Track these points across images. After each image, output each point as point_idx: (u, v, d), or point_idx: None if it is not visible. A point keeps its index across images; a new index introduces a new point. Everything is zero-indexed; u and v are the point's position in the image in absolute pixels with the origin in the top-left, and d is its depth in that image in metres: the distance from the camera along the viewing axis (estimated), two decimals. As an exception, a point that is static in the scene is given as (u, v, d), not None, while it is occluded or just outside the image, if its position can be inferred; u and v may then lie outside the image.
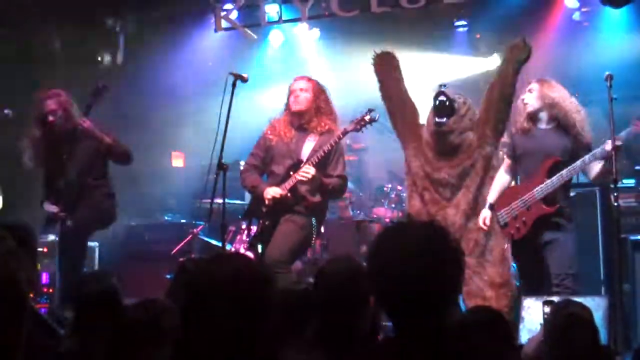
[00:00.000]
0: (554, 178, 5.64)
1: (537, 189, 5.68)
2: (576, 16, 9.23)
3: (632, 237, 6.80)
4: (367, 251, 2.51)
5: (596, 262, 7.08)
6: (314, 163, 6.05)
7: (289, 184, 6.13)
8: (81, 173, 6.42)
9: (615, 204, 5.48)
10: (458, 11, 9.77)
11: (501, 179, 6.02)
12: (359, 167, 10.41)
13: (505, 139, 6.14)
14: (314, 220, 6.25)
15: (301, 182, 6.10)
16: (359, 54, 10.08)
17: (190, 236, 7.94)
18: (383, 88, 6.41)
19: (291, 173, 6.16)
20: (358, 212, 9.25)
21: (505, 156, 6.11)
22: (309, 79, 6.44)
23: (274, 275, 2.45)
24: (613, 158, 5.41)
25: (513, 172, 6.06)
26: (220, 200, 6.05)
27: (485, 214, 5.92)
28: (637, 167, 7.12)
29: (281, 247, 6.01)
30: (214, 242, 7.98)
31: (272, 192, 6.17)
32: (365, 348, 2.67)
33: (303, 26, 9.86)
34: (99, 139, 6.41)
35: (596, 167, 5.65)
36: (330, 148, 6.05)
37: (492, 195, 5.99)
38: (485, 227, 5.93)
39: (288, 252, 6.04)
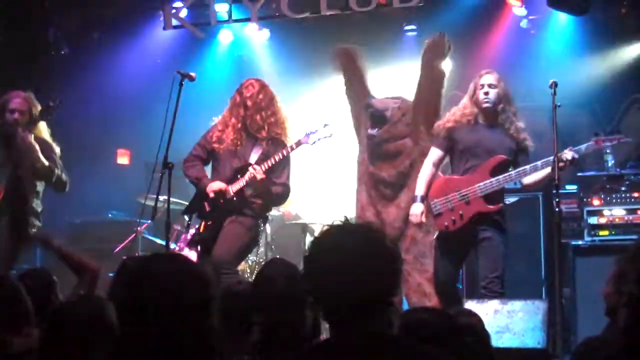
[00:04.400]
0: (501, 177, 5.64)
1: (480, 185, 5.65)
2: (524, 24, 9.33)
3: (573, 242, 6.92)
4: (304, 253, 2.49)
5: (537, 266, 7.20)
6: (264, 169, 6.05)
7: (235, 185, 6.10)
8: (12, 182, 6.22)
9: (557, 209, 5.53)
10: (408, 16, 9.82)
11: (428, 170, 5.92)
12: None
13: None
14: (260, 221, 6.26)
15: (248, 185, 6.08)
16: (308, 56, 10.13)
17: (134, 234, 7.87)
18: (346, 82, 6.46)
19: (239, 176, 6.15)
20: (305, 213, 9.25)
21: (434, 147, 5.99)
22: (261, 85, 6.41)
23: (213, 276, 2.45)
24: (556, 165, 5.47)
25: (440, 164, 5.97)
26: (165, 199, 6.00)
27: (419, 208, 5.81)
28: (579, 174, 7.23)
29: (228, 248, 5.97)
30: (158, 240, 7.93)
31: (215, 186, 6.13)
32: (305, 349, 2.67)
33: (253, 26, 9.82)
34: (34, 155, 6.20)
35: (541, 174, 5.66)
36: (281, 157, 6.07)
37: (420, 188, 5.88)
38: (417, 221, 5.84)
39: (235, 253, 6.02)
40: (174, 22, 9.05)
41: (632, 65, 8.89)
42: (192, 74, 5.98)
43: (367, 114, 6.14)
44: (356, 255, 2.33)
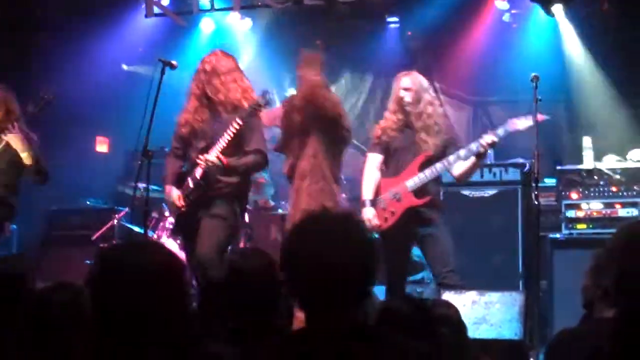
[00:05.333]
0: (427, 171, 5.80)
1: (408, 181, 5.82)
2: (506, 17, 9.35)
3: (551, 235, 6.96)
4: (282, 241, 2.48)
5: (515, 259, 7.24)
6: (221, 149, 5.73)
7: (198, 173, 5.83)
8: None
9: (536, 202, 5.59)
10: (390, 7, 9.83)
11: (372, 175, 6.05)
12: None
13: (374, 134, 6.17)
14: (236, 206, 5.97)
15: (208, 174, 5.81)
16: (290, 45, 10.11)
17: (112, 222, 7.84)
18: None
19: (200, 156, 5.81)
20: (284, 202, 9.23)
21: (374, 152, 6.13)
22: (225, 54, 6.13)
23: (185, 264, 2.45)
24: (537, 158, 5.53)
25: (381, 167, 6.10)
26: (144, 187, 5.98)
27: (371, 212, 5.90)
28: (558, 167, 7.27)
29: (208, 245, 5.79)
30: (136, 228, 7.90)
31: (170, 198, 5.92)
32: (281, 339, 2.66)
33: (235, 15, 9.80)
34: (21, 152, 6.16)
35: (466, 164, 5.83)
36: (232, 134, 5.69)
37: (367, 192, 6.00)
38: (372, 225, 5.86)
39: (216, 249, 5.83)
40: (156, 10, 9.03)
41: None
42: (174, 62, 5.93)
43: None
44: (334, 243, 2.32)
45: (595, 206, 6.99)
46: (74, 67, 9.47)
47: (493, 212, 6.59)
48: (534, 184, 5.61)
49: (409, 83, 5.98)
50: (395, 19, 10.03)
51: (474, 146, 5.72)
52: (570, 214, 7.03)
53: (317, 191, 6.09)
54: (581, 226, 6.99)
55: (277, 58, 10.04)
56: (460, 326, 3.48)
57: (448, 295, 5.28)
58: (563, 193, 7.10)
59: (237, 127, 5.63)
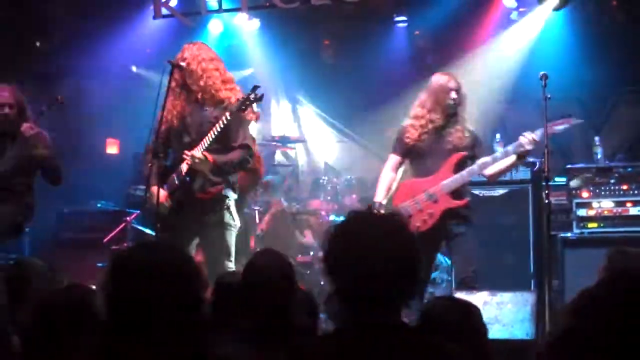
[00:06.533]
0: (464, 172, 5.76)
1: (444, 182, 5.77)
2: (514, 16, 9.34)
3: (562, 234, 6.95)
4: (326, 245, 2.45)
5: (526, 258, 7.23)
6: (205, 146, 5.55)
7: (184, 169, 5.64)
8: (4, 177, 6.21)
9: (547, 201, 5.57)
10: (398, 7, 9.83)
11: (388, 177, 6.04)
12: (296, 158, 10.43)
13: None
14: (232, 207, 5.80)
15: (193, 172, 5.62)
16: (298, 46, 10.13)
17: (124, 224, 7.86)
18: None
19: (186, 152, 5.62)
20: (294, 203, 9.26)
21: (394, 153, 6.09)
22: (201, 44, 5.95)
23: (199, 265, 2.45)
24: (547, 156, 5.52)
25: (397, 169, 6.07)
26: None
27: None
28: (568, 166, 7.25)
29: (219, 256, 5.72)
30: (147, 230, 7.91)
31: (161, 197, 5.61)
32: (307, 340, 2.66)
33: (243, 16, 9.79)
34: (37, 152, 6.20)
35: (504, 163, 5.80)
36: (219, 130, 5.51)
37: (380, 194, 6.00)
38: None
39: (227, 257, 5.77)
40: (164, 11, 9.02)
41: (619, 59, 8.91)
42: (182, 63, 5.90)
43: None
44: (380, 244, 2.32)
45: (606, 205, 6.98)
46: (83, 69, 9.50)
47: (503, 211, 6.57)
48: (544, 183, 5.59)
49: (455, 84, 5.91)
50: (403, 18, 10.04)
51: (510, 148, 5.69)
52: (581, 212, 7.02)
53: None
54: (592, 225, 6.98)
55: (285, 58, 10.05)
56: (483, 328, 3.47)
57: (460, 296, 5.27)
58: (574, 192, 7.09)
59: (225, 121, 5.47)
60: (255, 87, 5.54)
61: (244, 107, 5.49)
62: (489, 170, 5.86)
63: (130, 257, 2.39)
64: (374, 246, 2.33)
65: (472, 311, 3.28)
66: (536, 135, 5.64)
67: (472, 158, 5.85)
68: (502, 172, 5.97)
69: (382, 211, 5.81)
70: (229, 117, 5.46)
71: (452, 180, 5.77)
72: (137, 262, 2.34)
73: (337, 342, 2.38)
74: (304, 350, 2.44)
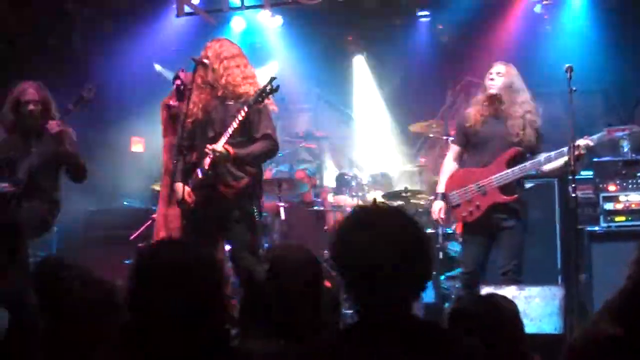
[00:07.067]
0: (516, 168, 5.69)
1: (496, 176, 5.72)
2: (537, 9, 9.30)
3: (589, 228, 6.90)
4: (333, 238, 2.46)
5: (553, 253, 7.18)
6: (229, 137, 5.57)
7: (207, 163, 5.65)
8: (31, 174, 6.26)
9: (573, 195, 5.53)
10: (420, 1, 9.81)
11: (449, 167, 6.04)
12: (320, 154, 10.43)
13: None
14: (254, 200, 5.80)
15: (216, 160, 5.61)
16: (322, 42, 10.12)
17: (150, 221, 7.89)
18: None
19: (208, 146, 5.65)
20: (319, 199, 9.26)
21: (454, 143, 6.11)
22: (224, 39, 6.01)
23: (220, 262, 2.47)
24: (572, 151, 5.47)
25: (460, 159, 6.06)
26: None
27: (440, 205, 5.94)
28: (595, 159, 7.20)
29: (243, 254, 5.65)
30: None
31: (185, 193, 5.66)
32: (329, 335, 2.67)
33: (265, 13, 9.81)
34: (62, 144, 6.25)
35: (557, 163, 5.71)
36: (238, 122, 5.53)
37: (441, 185, 6.02)
38: (436, 217, 5.99)
39: (251, 250, 5.75)
40: (187, 9, 9.05)
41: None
42: (206, 60, 5.92)
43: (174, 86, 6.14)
44: (388, 237, 2.32)
45: (633, 198, 6.91)
46: (107, 67, 9.55)
47: (530, 205, 6.49)
48: (570, 177, 5.55)
49: (502, 69, 5.89)
50: (426, 12, 10.02)
51: (565, 149, 5.58)
52: (608, 206, 6.96)
53: None
54: (619, 218, 6.92)
55: (308, 55, 10.05)
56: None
57: (488, 290, 5.26)
58: (600, 185, 7.03)
59: (244, 114, 5.51)
60: (271, 79, 5.59)
61: (260, 99, 5.55)
62: (546, 167, 5.81)
63: (154, 255, 2.41)
64: (378, 240, 2.32)
65: (507, 307, 3.25)
66: (592, 140, 5.59)
67: (528, 153, 5.78)
68: (556, 170, 5.88)
69: (439, 201, 5.92)
70: (246, 110, 5.51)
71: (502, 175, 5.72)
72: (161, 259, 2.36)
73: (348, 338, 2.38)
74: (317, 346, 2.44)
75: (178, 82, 5.97)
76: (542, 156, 5.71)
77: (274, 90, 5.57)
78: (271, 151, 5.83)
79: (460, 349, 2.34)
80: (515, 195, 5.75)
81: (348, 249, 2.38)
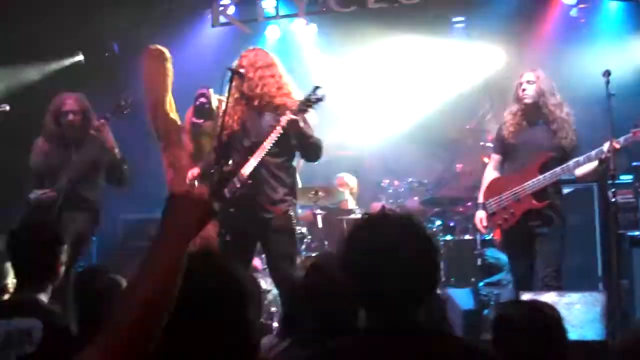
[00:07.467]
0: (547, 174, 5.73)
1: (529, 183, 5.77)
2: (573, 12, 9.23)
3: (630, 233, 6.82)
4: (340, 245, 2.47)
5: (594, 258, 7.12)
6: (273, 142, 5.62)
7: (247, 171, 5.65)
8: (72, 182, 6.33)
9: (613, 199, 5.49)
10: (455, 8, 9.77)
11: (489, 177, 6.13)
12: (356, 162, 10.41)
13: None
14: (292, 210, 5.84)
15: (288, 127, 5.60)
16: (356, 50, 10.11)
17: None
18: (147, 81, 6.39)
19: (248, 157, 5.69)
20: (356, 207, 9.25)
21: (494, 152, 6.20)
22: (259, 49, 6.07)
23: (250, 274, 2.49)
24: (612, 155, 5.44)
25: (501, 168, 6.13)
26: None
27: (481, 215, 6.04)
28: (634, 164, 7.12)
29: (281, 265, 5.68)
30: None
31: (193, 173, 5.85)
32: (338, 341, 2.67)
33: (300, 21, 9.85)
34: (108, 146, 6.33)
35: (587, 167, 5.74)
36: (280, 132, 5.58)
37: (481, 195, 6.13)
38: (484, 230, 6.15)
39: (288, 265, 5.74)
40: (222, 19, 9.14)
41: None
42: (242, 70, 5.95)
43: (197, 104, 6.01)
44: (397, 244, 2.31)
45: (674, 202, 6.84)
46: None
47: (569, 210, 6.45)
48: (610, 181, 5.52)
49: (531, 76, 5.94)
50: (460, 19, 9.97)
51: (593, 153, 5.64)
52: (649, 211, 6.89)
53: None
54: (661, 223, 6.84)
55: (343, 62, 10.05)
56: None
57: (528, 297, 5.22)
58: (641, 189, 6.97)
59: (286, 122, 5.55)
60: (316, 88, 5.59)
61: (304, 108, 5.55)
62: (578, 172, 5.83)
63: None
64: (383, 248, 2.32)
65: (551, 314, 3.23)
66: (619, 142, 5.56)
67: (562, 159, 5.79)
68: (588, 176, 5.90)
69: (481, 211, 6.03)
70: (289, 118, 5.53)
71: (535, 181, 5.76)
72: (188, 270, 2.38)
73: (355, 345, 2.38)
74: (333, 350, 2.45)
75: (203, 99, 5.98)
76: (572, 161, 5.72)
77: (320, 100, 5.58)
78: (321, 147, 5.83)
79: (475, 356, 2.32)
80: (547, 201, 5.77)
81: (354, 256, 2.38)
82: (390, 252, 2.30)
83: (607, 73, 5.68)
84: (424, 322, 2.38)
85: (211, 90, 6.41)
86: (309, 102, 5.56)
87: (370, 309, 2.38)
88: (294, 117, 5.52)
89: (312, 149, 5.80)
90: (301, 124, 5.62)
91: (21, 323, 3.42)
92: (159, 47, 6.29)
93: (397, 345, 2.30)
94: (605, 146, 5.54)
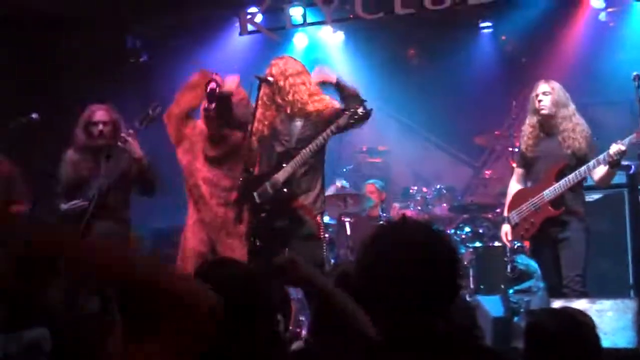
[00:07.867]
0: (561, 182, 5.76)
1: (545, 191, 5.81)
2: (602, 17, 9.17)
3: (661, 239, 6.77)
4: (359, 251, 2.46)
5: (624, 265, 7.06)
6: (311, 150, 5.63)
7: (282, 177, 5.69)
8: (101, 193, 6.37)
9: (643, 205, 5.47)
10: (483, 13, 9.75)
11: (513, 190, 6.18)
12: (384, 168, 10.41)
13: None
14: (319, 216, 5.86)
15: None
16: (384, 57, 10.13)
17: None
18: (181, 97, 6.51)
19: (283, 164, 5.73)
20: (384, 214, 9.24)
21: (517, 166, 6.26)
22: (288, 57, 6.10)
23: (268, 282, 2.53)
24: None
25: (524, 180, 6.17)
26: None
27: (506, 229, 6.10)
28: (665, 169, 7.06)
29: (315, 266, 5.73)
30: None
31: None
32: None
33: (327, 29, 9.87)
34: (136, 155, 6.37)
35: (600, 172, 5.73)
36: (324, 140, 5.61)
37: (506, 208, 6.20)
38: (509, 244, 6.27)
39: (318, 267, 5.77)
40: (250, 27, 9.17)
41: None
42: (270, 78, 5.97)
43: (208, 90, 6.05)
44: (415, 258, 2.30)
45: None
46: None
47: (599, 217, 6.42)
48: None
49: (546, 87, 5.96)
50: (488, 24, 9.95)
51: (601, 157, 5.65)
52: (680, 216, 6.83)
53: None
54: (692, 228, 6.78)
55: (370, 69, 10.05)
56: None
57: (558, 304, 5.19)
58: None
59: (331, 133, 5.57)
60: (362, 101, 5.58)
61: (352, 121, 5.54)
62: (595, 176, 5.84)
63: (207, 273, 2.50)
64: (402, 256, 2.30)
65: (584, 321, 3.20)
66: (623, 144, 5.54)
67: (576, 166, 5.79)
68: (604, 179, 5.85)
69: (506, 225, 6.08)
70: (335, 131, 5.55)
71: (551, 190, 5.79)
72: (211, 278, 2.41)
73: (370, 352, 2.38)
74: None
75: (213, 85, 6.00)
76: (583, 168, 5.73)
77: (368, 114, 5.53)
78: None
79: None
80: (563, 208, 5.79)
81: (373, 263, 2.37)
82: (409, 259, 2.30)
83: (637, 77, 5.65)
84: (447, 331, 2.37)
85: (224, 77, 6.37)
86: (356, 116, 5.52)
87: (387, 317, 2.37)
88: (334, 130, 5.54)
89: None
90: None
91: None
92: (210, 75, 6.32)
93: (414, 355, 2.29)
94: (612, 149, 5.52)
